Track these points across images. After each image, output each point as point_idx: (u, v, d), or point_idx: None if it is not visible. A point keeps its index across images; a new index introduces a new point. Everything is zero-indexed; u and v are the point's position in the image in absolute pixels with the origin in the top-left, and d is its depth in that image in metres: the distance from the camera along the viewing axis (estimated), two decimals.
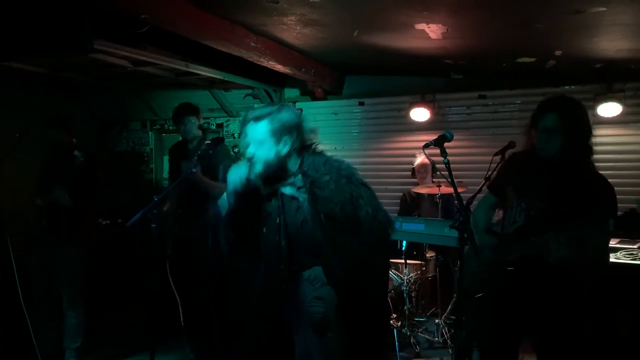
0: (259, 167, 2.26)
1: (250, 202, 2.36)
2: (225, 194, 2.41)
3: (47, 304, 3.76)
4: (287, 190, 2.35)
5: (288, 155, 2.29)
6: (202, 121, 4.30)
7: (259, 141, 2.26)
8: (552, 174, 2.39)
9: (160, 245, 3.84)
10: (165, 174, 6.71)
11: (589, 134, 2.39)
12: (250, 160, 2.28)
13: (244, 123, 2.31)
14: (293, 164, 2.33)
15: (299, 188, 2.32)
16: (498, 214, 2.75)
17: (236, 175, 2.31)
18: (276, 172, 2.30)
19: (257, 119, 2.27)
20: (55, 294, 3.79)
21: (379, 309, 3.84)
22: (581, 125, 2.37)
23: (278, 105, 2.37)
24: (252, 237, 2.45)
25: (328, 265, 2.32)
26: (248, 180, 2.30)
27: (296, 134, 2.29)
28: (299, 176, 2.32)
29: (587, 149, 2.38)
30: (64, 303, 3.78)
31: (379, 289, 2.67)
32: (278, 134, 2.26)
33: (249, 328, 2.64)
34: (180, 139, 4.34)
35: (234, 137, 6.18)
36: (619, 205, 2.35)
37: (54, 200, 3.64)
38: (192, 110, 4.18)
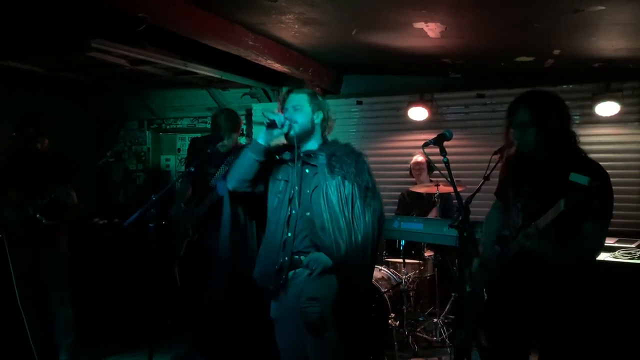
0: (296, 128, 2.47)
1: (269, 159, 2.54)
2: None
3: (36, 301, 3.71)
4: (308, 159, 2.52)
5: (317, 127, 2.56)
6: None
7: (299, 106, 2.51)
8: (540, 168, 2.38)
9: (173, 245, 3.80)
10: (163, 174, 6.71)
11: (564, 121, 2.37)
12: (289, 122, 2.45)
13: (284, 96, 2.58)
14: (316, 141, 2.58)
15: (317, 156, 2.52)
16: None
17: (280, 117, 2.44)
18: (305, 139, 2.53)
19: (298, 90, 2.60)
20: (44, 291, 3.74)
21: (372, 302, 3.87)
22: (553, 113, 2.35)
23: None
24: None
25: (331, 239, 2.40)
26: (286, 128, 2.44)
27: (325, 115, 2.60)
28: (321, 152, 2.53)
29: (568, 136, 2.36)
30: (53, 300, 3.74)
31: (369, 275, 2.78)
32: (314, 105, 2.56)
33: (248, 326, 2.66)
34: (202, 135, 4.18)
35: None
36: (615, 204, 2.32)
37: (57, 198, 3.60)
38: (236, 125, 3.81)
